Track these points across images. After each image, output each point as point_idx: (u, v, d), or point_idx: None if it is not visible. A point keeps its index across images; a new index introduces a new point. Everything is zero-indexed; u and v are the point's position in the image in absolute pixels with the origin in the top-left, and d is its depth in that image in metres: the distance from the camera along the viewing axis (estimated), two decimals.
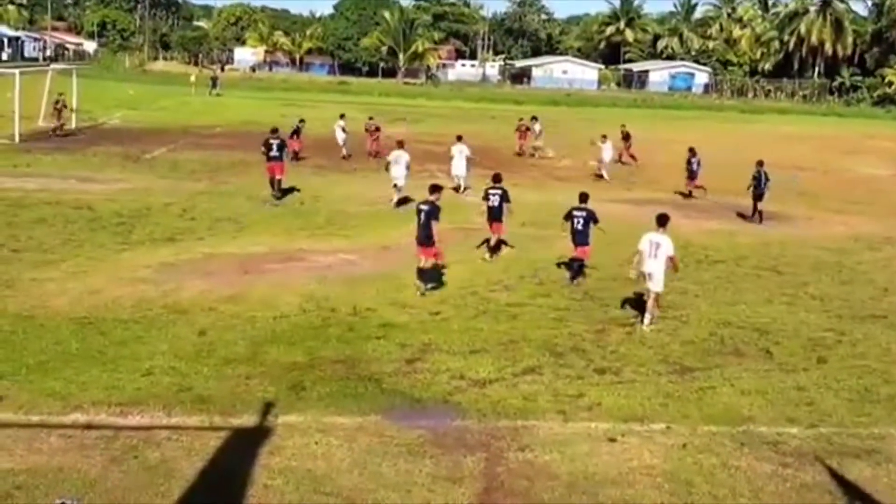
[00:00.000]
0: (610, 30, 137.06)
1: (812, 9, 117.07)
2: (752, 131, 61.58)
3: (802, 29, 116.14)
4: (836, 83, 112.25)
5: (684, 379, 12.93)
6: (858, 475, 10.13)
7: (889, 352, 14.58)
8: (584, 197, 18.62)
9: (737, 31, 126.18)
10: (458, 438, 10.58)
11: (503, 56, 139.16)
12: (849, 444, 10.93)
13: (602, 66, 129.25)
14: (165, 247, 19.48)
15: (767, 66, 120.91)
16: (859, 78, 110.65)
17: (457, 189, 29.15)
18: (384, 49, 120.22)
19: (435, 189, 17.65)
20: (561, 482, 9.68)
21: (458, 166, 29.82)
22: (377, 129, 36.66)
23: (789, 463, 10.34)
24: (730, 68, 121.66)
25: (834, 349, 14.62)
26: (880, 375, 13.42)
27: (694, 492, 9.60)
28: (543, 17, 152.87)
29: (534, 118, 42.30)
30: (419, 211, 17.36)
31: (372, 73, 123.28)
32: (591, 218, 18.31)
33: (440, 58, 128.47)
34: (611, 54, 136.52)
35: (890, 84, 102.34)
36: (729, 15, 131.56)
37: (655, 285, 15.36)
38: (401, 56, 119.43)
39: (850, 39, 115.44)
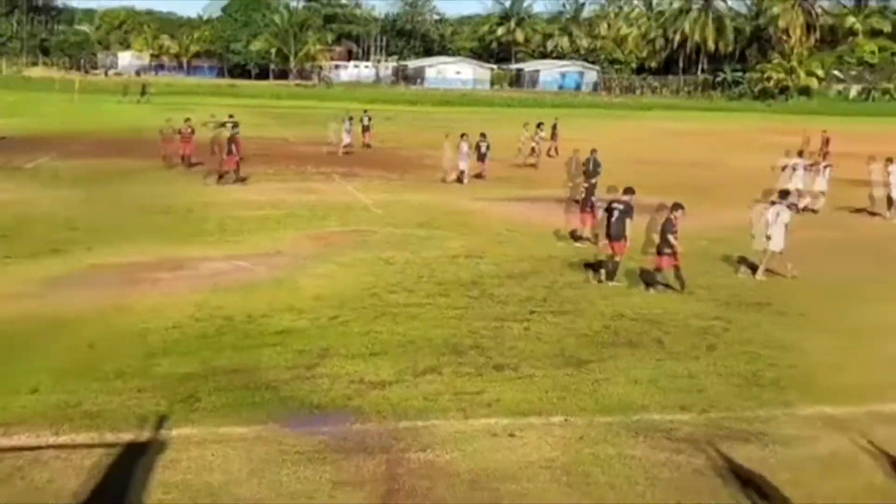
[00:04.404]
0: (501, 30, 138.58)
1: (695, 7, 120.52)
2: (640, 128, 62.98)
3: (686, 27, 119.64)
4: (719, 79, 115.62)
5: (580, 371, 13.10)
6: (748, 457, 10.40)
7: (774, 337, 15.03)
8: (627, 190, 18.71)
9: (624, 30, 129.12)
10: (358, 442, 10.50)
11: (396, 57, 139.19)
12: (738, 428, 11.23)
13: (494, 66, 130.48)
14: (50, 259, 18.86)
15: (654, 64, 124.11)
16: (740, 73, 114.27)
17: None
18: (274, 51, 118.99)
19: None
20: (462, 480, 9.70)
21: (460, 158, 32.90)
22: (192, 132, 35.81)
23: (682, 449, 10.56)
24: (618, 66, 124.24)
25: (722, 336, 15.02)
26: (766, 360, 13.83)
27: (591, 482, 9.73)
28: (435, 17, 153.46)
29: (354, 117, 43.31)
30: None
31: (263, 75, 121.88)
32: (627, 212, 18.33)
33: (332, 59, 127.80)
34: (502, 54, 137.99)
35: (769, 79, 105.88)
36: (616, 14, 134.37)
37: (775, 245, 19.05)
38: (292, 58, 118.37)
39: (731, 36, 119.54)
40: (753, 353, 14.14)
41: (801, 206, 27.81)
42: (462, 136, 33.47)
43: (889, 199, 27.66)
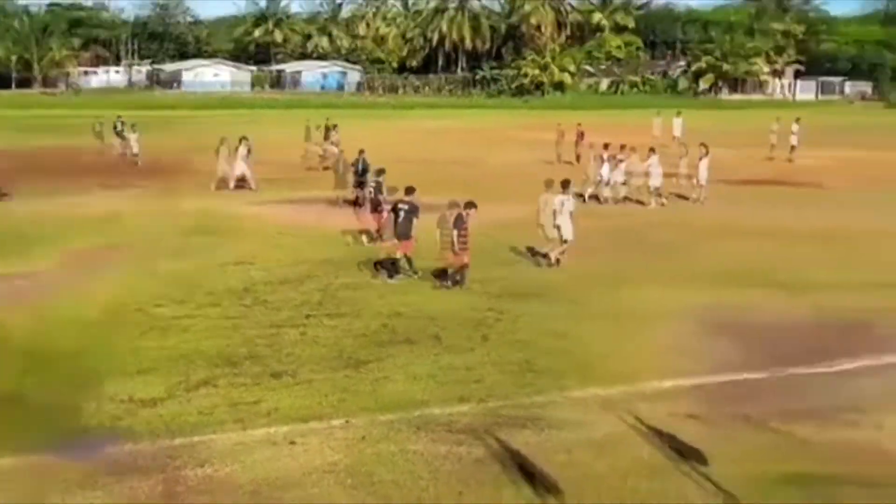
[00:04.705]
0: (258, 31, 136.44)
1: (451, 6, 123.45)
2: (403, 127, 63.80)
3: (444, 26, 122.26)
4: (478, 77, 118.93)
5: (359, 372, 13.11)
6: (525, 443, 10.76)
7: (546, 325, 15.57)
8: (409, 190, 18.88)
9: (383, 30, 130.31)
10: (131, 464, 10.06)
11: (150, 61, 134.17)
12: (515, 415, 11.58)
13: (254, 69, 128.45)
14: None
15: (415, 63, 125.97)
16: (499, 71, 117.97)
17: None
18: (15, 58, 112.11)
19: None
20: (243, 492, 9.50)
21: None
22: None
23: (463, 440, 10.77)
24: (380, 66, 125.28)
25: (495, 327, 15.41)
26: (538, 347, 14.32)
27: (376, 482, 9.76)
28: (189, 19, 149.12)
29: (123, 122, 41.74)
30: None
31: (4, 84, 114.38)
32: (413, 212, 18.50)
33: (81, 65, 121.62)
34: (261, 56, 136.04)
35: (525, 75, 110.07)
36: (374, 14, 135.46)
37: (566, 234, 19.82)
38: (35, 65, 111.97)
39: (487, 35, 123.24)
40: (526, 342, 14.61)
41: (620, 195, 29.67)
42: (241, 139, 32.56)
43: (648, 188, 29.25)
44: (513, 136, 57.18)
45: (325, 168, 35.86)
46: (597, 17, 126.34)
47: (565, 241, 20.08)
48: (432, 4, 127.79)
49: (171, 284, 18.08)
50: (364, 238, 22.38)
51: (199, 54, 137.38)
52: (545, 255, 20.31)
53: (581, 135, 41.82)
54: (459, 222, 17.99)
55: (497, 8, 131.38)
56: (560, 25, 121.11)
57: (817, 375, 13.46)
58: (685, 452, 10.53)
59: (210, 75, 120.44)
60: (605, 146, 30.61)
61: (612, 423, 11.41)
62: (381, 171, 22.78)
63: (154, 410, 11.57)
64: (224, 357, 13.67)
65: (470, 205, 18.29)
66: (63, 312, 16.07)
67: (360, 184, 27.44)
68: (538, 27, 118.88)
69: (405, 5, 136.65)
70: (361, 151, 28.02)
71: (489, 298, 17.36)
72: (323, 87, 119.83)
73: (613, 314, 16.42)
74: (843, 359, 14.05)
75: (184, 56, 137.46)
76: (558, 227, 19.94)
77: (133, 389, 12.21)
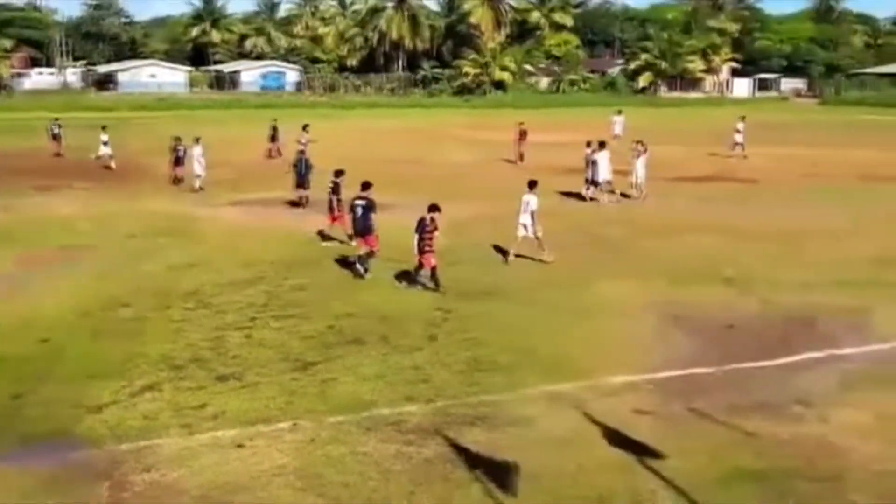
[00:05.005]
0: (196, 31, 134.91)
1: (389, 5, 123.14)
2: (344, 127, 63.49)
3: (383, 25, 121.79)
4: (418, 76, 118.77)
5: (307, 374, 13.04)
6: (475, 441, 10.78)
7: (492, 323, 15.63)
8: (365, 185, 19.00)
9: (321, 29, 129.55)
10: (77, 470, 9.93)
11: (84, 62, 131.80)
12: (464, 414, 11.59)
13: (192, 69, 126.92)
14: None
15: (354, 62, 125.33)
16: (439, 70, 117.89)
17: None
18: None
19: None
20: (191, 497, 9.42)
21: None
22: None
23: (412, 440, 10.77)
24: (318, 65, 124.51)
25: (442, 326, 15.41)
26: (485, 346, 14.34)
27: (325, 483, 9.73)
28: (123, 19, 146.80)
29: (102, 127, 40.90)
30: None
31: None
32: (370, 207, 18.77)
33: (13, 66, 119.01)
34: (198, 56, 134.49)
35: (466, 74, 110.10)
36: (312, 13, 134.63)
37: (531, 231, 20.24)
38: None
39: (426, 34, 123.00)
40: (474, 340, 14.61)
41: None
42: (196, 140, 32.06)
43: (607, 183, 29.47)
44: (455, 135, 57.18)
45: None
46: (535, 15, 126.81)
47: (534, 238, 20.33)
48: (370, 4, 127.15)
49: (120, 288, 17.84)
50: (321, 238, 22.31)
51: (135, 55, 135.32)
52: (539, 259, 20.36)
53: (523, 133, 41.94)
54: (421, 226, 17.91)
55: (436, 7, 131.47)
56: (499, 24, 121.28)
57: (764, 369, 13.63)
58: (638, 448, 10.61)
59: (146, 76, 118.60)
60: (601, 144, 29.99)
61: (563, 420, 11.47)
62: (339, 172, 22.30)
63: (98, 416, 11.41)
64: (168, 361, 13.52)
65: (433, 208, 18.05)
66: (9, 316, 15.84)
67: (301, 184, 27.28)
68: (477, 26, 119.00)
69: (342, 4, 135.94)
70: (302, 152, 27.89)
71: (439, 298, 17.29)
72: (262, 87, 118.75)
73: (564, 311, 16.44)
74: (788, 353, 14.26)
75: (119, 57, 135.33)
76: (525, 226, 20.25)
77: (79, 395, 12.03)
